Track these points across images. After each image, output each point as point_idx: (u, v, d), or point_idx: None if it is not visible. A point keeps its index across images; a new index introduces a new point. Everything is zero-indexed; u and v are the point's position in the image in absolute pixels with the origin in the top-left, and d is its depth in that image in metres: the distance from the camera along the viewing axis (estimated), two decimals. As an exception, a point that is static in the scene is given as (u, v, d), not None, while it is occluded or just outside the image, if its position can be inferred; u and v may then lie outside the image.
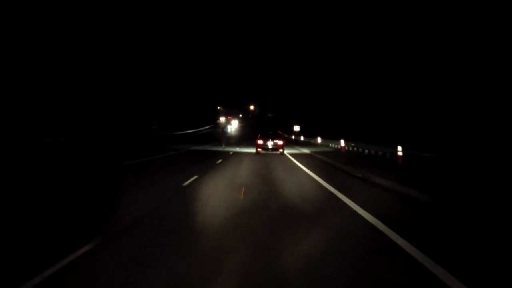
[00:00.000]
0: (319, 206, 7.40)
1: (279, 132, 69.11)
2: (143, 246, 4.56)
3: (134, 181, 10.78)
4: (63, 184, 10.02)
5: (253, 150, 25.97)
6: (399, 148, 15.19)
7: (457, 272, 3.65)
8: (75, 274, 3.72)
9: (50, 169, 12.85)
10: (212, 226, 5.63)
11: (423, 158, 15.10)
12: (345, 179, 11.80)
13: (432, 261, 3.97)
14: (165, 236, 5.07)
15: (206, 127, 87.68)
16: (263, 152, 23.43)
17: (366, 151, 22.17)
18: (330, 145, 32.23)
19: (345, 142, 25.73)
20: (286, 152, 24.44)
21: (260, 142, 23.50)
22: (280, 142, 23.33)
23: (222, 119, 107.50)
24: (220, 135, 34.98)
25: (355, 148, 25.23)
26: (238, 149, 29.27)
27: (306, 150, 28.21)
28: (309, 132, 51.20)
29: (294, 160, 18.78)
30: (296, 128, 61.84)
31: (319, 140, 37.46)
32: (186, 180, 10.49)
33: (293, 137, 59.34)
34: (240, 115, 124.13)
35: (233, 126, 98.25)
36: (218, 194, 8.82)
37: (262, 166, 15.60)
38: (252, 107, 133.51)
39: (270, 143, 23.13)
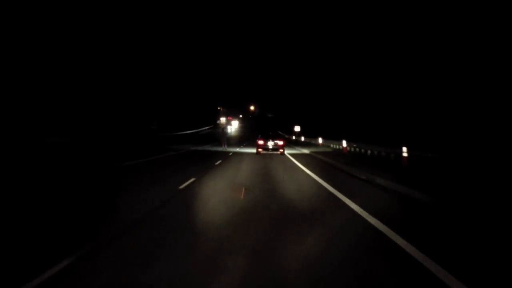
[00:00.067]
0: (319, 207, 7.38)
1: (280, 132, 69.06)
2: (143, 246, 4.55)
3: (133, 180, 10.79)
4: (63, 184, 10.03)
5: (253, 150, 26.19)
6: (404, 149, 14.93)
7: (457, 272, 3.65)
8: (73, 275, 3.72)
9: (51, 169, 12.87)
10: (208, 230, 5.60)
11: (429, 159, 14.83)
12: (348, 181, 11.67)
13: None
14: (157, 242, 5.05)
15: (206, 128, 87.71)
16: (264, 152, 23.65)
17: (369, 151, 21.85)
18: (332, 145, 32.07)
19: (347, 143, 25.57)
20: (286, 152, 24.48)
21: (260, 142, 23.75)
22: (280, 143, 23.51)
23: (222, 120, 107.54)
24: (220, 136, 34.95)
25: (357, 149, 24.92)
26: (238, 150, 29.29)
27: (306, 151, 28.19)
28: (309, 133, 51.13)
29: (295, 161, 18.77)
30: (297, 128, 61.75)
31: (320, 140, 37.28)
32: (183, 182, 10.07)
33: (294, 137, 59.28)
34: (240, 116, 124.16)
35: (233, 127, 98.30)
36: (218, 195, 8.79)
37: (262, 167, 15.60)
38: (252, 108, 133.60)
39: (270, 144, 23.30)
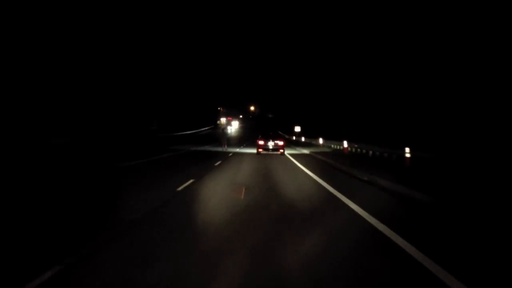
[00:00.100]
0: (319, 207, 7.38)
1: (280, 132, 69.03)
2: (143, 245, 4.56)
3: (133, 180, 10.81)
4: (63, 184, 10.05)
5: (253, 151, 26.27)
6: (407, 149, 14.76)
7: (457, 272, 3.65)
8: (74, 275, 3.72)
9: (52, 170, 12.88)
10: (208, 230, 5.61)
11: (432, 160, 14.64)
12: (349, 181, 11.62)
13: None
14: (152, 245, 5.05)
15: (206, 128, 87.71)
16: (264, 152, 23.71)
17: (371, 152, 21.64)
18: (332, 146, 32.00)
19: (348, 143, 25.48)
20: (286, 152, 24.50)
21: (261, 142, 23.88)
22: (280, 143, 23.58)
23: (223, 120, 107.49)
24: (220, 136, 34.92)
25: (358, 150, 24.74)
26: (238, 150, 29.29)
27: (307, 151, 28.16)
28: (310, 133, 51.06)
29: (295, 161, 18.77)
30: (297, 128, 61.68)
31: (320, 141, 37.13)
32: (183, 183, 9.98)
33: (294, 138, 59.25)
34: (241, 116, 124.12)
35: (233, 127, 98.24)
36: (218, 195, 8.80)
37: (262, 167, 15.60)
38: (252, 108, 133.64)
39: (270, 144, 23.39)
